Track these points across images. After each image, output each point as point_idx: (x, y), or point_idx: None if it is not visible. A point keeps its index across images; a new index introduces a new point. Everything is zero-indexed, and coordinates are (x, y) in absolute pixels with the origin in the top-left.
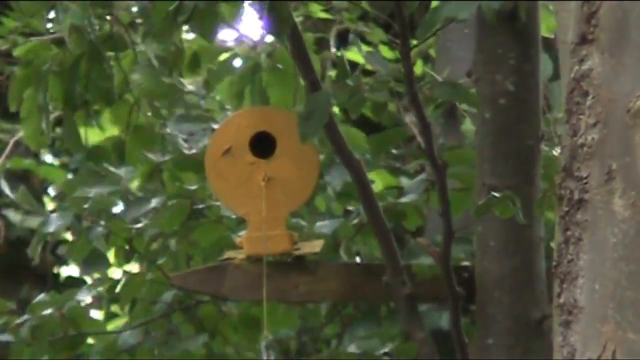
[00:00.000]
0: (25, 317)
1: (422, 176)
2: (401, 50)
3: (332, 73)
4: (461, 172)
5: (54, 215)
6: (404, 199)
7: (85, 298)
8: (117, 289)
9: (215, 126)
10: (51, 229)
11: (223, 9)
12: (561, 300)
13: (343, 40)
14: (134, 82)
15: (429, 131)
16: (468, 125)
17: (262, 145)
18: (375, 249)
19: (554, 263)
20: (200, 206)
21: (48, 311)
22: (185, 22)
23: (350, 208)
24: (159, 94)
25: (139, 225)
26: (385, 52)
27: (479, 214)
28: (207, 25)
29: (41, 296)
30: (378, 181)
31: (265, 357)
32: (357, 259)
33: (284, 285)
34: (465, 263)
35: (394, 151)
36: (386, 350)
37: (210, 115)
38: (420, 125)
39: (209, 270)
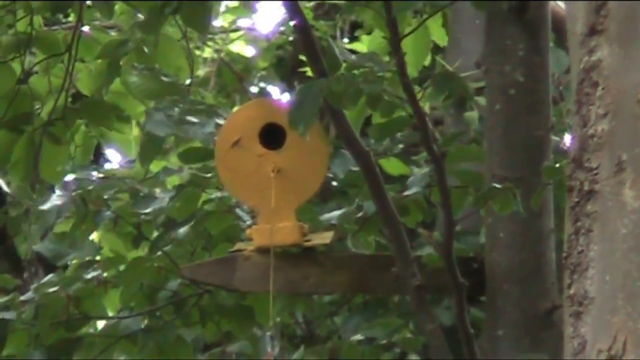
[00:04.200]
0: (30, 294)
1: (425, 170)
2: (391, 40)
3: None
4: (465, 169)
5: (54, 195)
6: (406, 192)
7: (92, 276)
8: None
9: (220, 122)
10: (46, 206)
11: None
12: (571, 292)
13: (354, 31)
14: (132, 83)
15: (424, 120)
16: (472, 113)
17: (272, 136)
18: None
19: (564, 254)
20: (212, 196)
21: (53, 289)
22: (174, 13)
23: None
24: (159, 93)
25: (148, 211)
26: None
27: (479, 205)
28: (199, 18)
29: (50, 276)
30: (390, 169)
31: (269, 348)
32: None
33: (294, 277)
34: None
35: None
36: (393, 340)
37: (215, 110)
38: (414, 115)
39: (219, 262)
